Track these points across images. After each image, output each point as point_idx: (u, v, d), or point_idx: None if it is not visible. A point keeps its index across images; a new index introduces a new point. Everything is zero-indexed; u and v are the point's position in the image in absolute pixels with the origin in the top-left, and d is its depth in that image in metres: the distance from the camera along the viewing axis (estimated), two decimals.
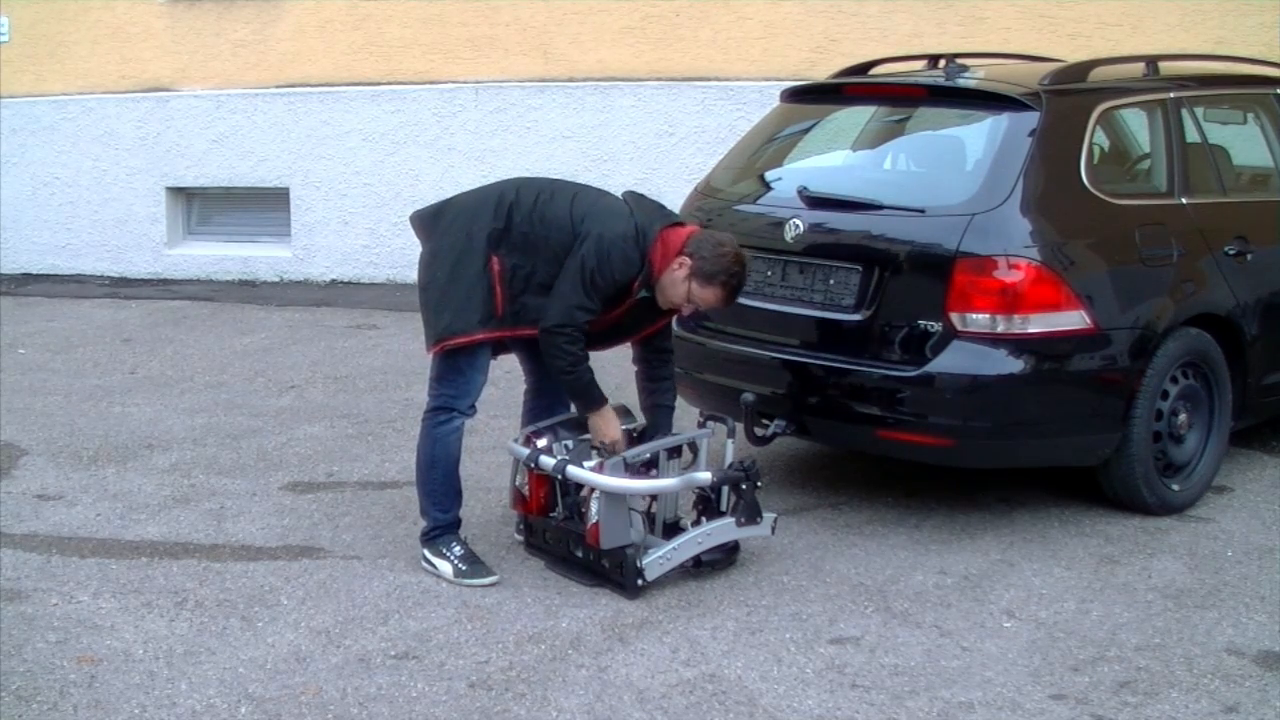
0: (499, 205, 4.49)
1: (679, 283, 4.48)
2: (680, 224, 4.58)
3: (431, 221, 4.61)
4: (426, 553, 4.60)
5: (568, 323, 4.37)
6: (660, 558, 4.39)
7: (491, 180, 4.78)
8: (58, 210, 10.65)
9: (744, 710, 3.68)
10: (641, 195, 4.67)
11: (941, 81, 5.36)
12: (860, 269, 4.90)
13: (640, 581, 4.36)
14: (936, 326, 4.73)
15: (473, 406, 4.59)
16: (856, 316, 4.91)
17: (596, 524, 4.38)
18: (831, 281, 4.98)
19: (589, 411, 4.56)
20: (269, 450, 6.01)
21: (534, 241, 4.44)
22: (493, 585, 4.48)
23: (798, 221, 5.06)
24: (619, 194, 4.67)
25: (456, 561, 4.54)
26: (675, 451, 4.65)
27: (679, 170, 8.86)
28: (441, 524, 4.60)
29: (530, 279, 4.45)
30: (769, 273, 5.17)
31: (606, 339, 4.62)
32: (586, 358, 4.46)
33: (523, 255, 4.44)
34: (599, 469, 4.40)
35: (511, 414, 4.88)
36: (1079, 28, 8.34)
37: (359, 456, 5.91)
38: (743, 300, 5.20)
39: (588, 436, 4.63)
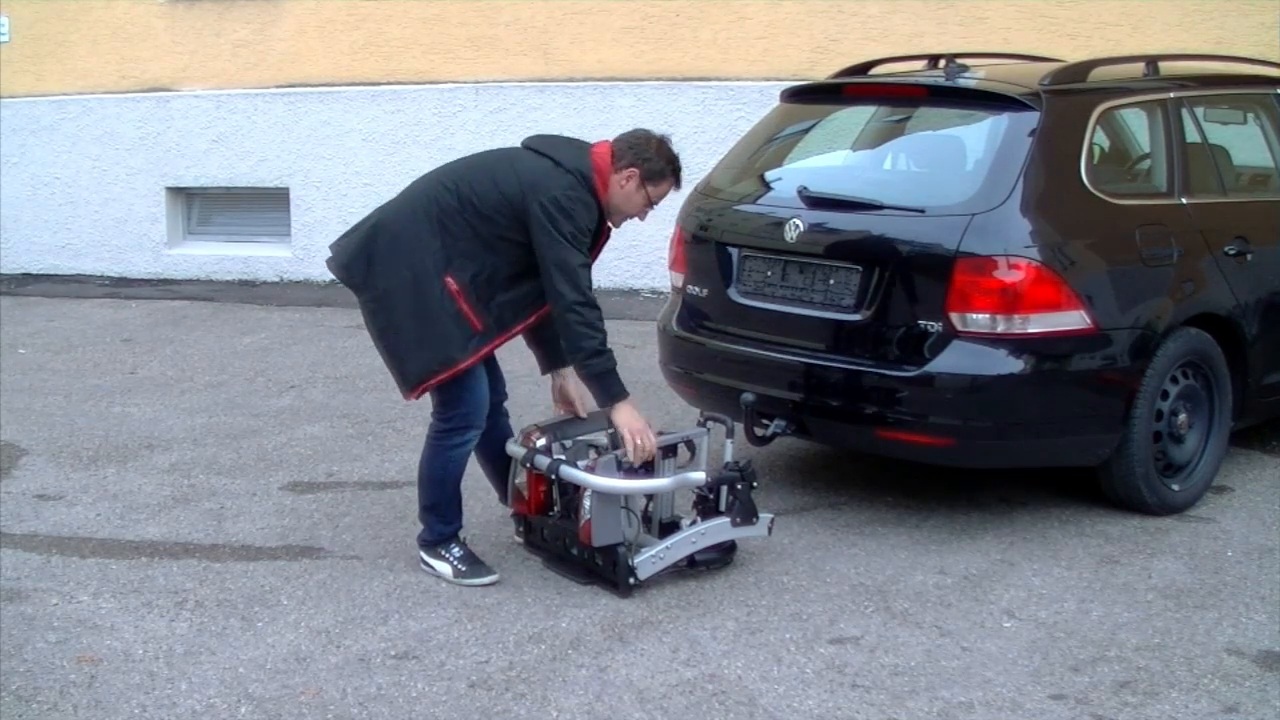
0: (431, 222, 4.35)
1: (633, 193, 4.45)
2: (587, 146, 4.49)
3: (362, 268, 4.43)
4: (425, 556, 4.60)
5: (585, 289, 4.28)
6: (653, 556, 4.39)
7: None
8: (58, 210, 10.65)
9: (744, 710, 3.68)
10: (543, 137, 4.55)
11: (942, 81, 5.35)
12: (860, 269, 4.90)
13: (632, 580, 4.36)
14: (936, 326, 4.73)
15: (483, 418, 4.53)
16: (856, 316, 4.90)
17: (589, 521, 4.37)
18: (831, 281, 4.98)
19: (612, 403, 4.40)
20: (269, 450, 6.01)
21: (485, 240, 4.34)
22: (492, 585, 4.48)
23: (798, 221, 5.06)
24: (518, 146, 4.52)
25: (456, 562, 4.53)
26: (671, 450, 4.64)
27: None
28: (444, 534, 4.59)
29: (494, 278, 4.36)
30: (769, 272, 5.17)
31: None
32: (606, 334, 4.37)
33: (477, 260, 4.34)
34: (592, 467, 4.39)
35: (515, 414, 4.87)
36: (1079, 28, 8.35)
37: (359, 456, 5.91)
38: (743, 300, 5.23)
39: (586, 437, 4.62)
